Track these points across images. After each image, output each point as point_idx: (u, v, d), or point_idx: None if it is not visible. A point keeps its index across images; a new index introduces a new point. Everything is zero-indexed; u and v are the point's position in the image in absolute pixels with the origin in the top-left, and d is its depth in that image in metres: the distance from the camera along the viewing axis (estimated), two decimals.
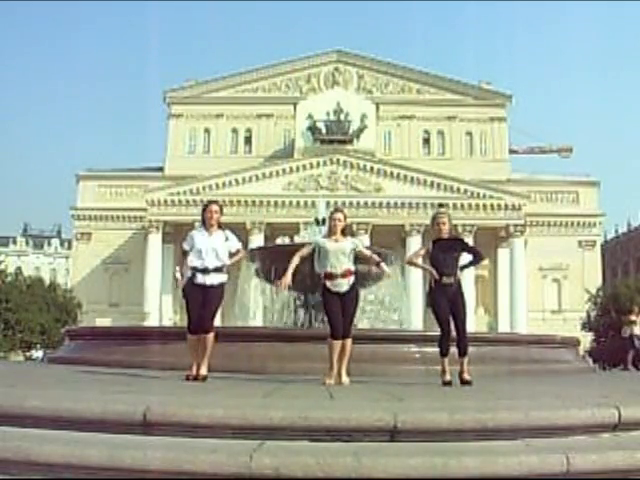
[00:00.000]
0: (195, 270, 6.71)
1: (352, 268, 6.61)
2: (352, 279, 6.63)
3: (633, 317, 18.70)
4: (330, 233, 6.72)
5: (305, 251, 6.78)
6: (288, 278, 6.61)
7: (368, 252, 6.85)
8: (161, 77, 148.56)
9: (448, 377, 6.68)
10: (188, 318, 6.75)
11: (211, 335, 6.71)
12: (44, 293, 36.69)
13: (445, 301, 6.78)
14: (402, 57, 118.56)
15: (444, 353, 6.84)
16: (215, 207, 6.93)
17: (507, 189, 45.31)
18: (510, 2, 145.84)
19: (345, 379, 6.45)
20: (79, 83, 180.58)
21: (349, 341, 6.62)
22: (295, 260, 6.74)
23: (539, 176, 50.07)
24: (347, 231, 6.80)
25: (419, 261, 7.27)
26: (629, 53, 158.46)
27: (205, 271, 6.67)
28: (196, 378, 6.53)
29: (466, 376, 6.61)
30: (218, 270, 6.72)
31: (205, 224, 6.87)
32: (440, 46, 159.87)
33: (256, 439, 3.53)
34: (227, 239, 6.83)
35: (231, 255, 6.93)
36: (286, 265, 6.64)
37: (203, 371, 6.61)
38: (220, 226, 6.90)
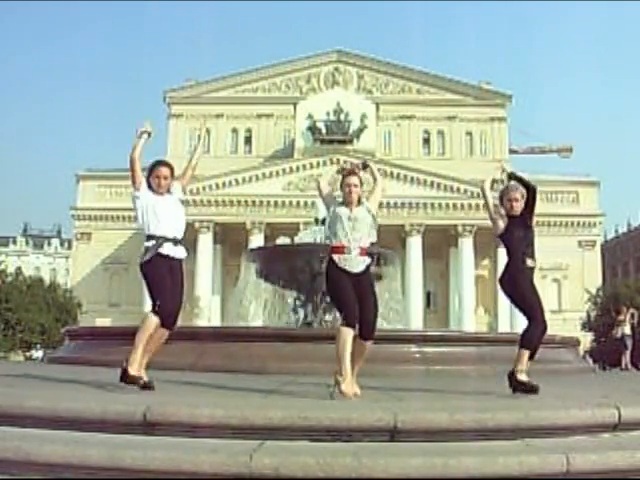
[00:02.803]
0: (164, 240, 5.29)
1: (367, 244, 5.23)
2: (368, 259, 5.22)
3: (622, 317, 18.72)
4: (344, 203, 5.26)
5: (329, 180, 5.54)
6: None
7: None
8: (161, 77, 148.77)
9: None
10: (162, 298, 5.17)
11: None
12: (44, 293, 36.73)
13: (530, 284, 5.60)
14: (402, 57, 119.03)
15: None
16: (165, 171, 5.37)
17: None
18: (510, 2, 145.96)
19: (356, 389, 4.97)
20: (79, 83, 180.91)
21: (369, 344, 5.11)
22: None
23: (539, 176, 49.98)
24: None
25: (488, 193, 6.03)
26: (629, 53, 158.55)
27: (175, 242, 5.34)
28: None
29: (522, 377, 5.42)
30: (180, 242, 5.41)
31: (153, 190, 5.40)
32: (440, 46, 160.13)
33: (256, 439, 3.53)
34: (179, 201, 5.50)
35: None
36: (286, 265, 6.45)
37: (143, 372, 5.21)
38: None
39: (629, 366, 18.02)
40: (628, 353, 18.20)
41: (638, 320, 19.02)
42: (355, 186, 5.26)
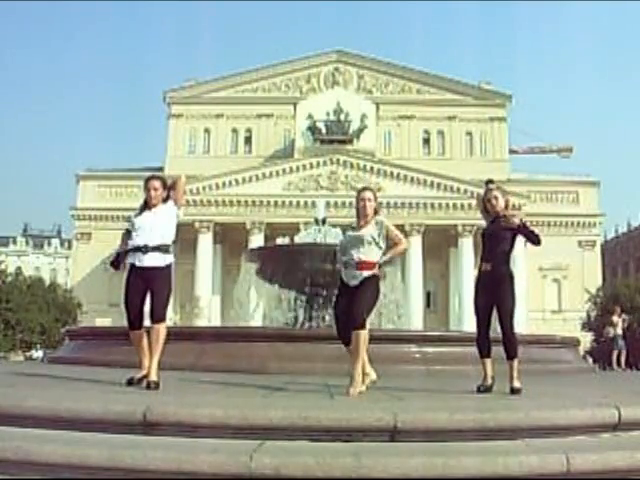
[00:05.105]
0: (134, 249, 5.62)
1: (371, 259, 5.43)
2: (365, 273, 5.41)
3: (615, 318, 19.11)
4: (359, 217, 5.60)
5: None
6: None
7: (394, 232, 5.61)
8: (161, 77, 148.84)
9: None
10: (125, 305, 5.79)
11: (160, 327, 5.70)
12: (44, 293, 36.73)
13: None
14: (402, 57, 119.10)
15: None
16: (155, 183, 5.67)
17: (507, 189, 45.26)
18: (510, 2, 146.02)
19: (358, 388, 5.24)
20: (79, 83, 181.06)
21: (354, 335, 5.28)
22: None
23: (539, 176, 50.07)
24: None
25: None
26: (629, 53, 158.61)
27: (145, 249, 5.56)
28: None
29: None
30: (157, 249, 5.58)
31: (148, 206, 5.71)
32: (440, 46, 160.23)
33: (256, 439, 3.53)
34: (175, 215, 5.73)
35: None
36: (286, 265, 6.39)
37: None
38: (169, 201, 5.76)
39: (623, 365, 18.31)
40: (622, 353, 18.51)
41: (628, 325, 19.57)
42: (369, 200, 5.59)
